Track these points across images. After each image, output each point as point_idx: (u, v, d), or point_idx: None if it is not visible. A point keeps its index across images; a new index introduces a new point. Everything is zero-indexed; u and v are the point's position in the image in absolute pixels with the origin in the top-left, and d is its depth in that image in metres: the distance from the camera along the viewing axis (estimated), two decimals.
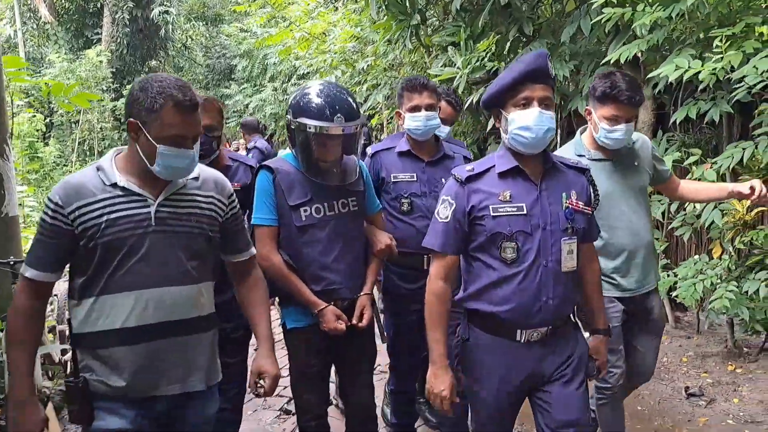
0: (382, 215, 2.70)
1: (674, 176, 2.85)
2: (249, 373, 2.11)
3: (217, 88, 18.87)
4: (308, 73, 9.20)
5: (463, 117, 6.01)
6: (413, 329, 2.80)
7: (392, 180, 2.84)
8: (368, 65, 6.67)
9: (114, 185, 1.77)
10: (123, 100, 16.71)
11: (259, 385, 2.04)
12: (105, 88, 15.53)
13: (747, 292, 3.78)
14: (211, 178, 1.95)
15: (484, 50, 4.88)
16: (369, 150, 3.00)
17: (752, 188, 2.50)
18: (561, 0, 5.25)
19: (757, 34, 3.36)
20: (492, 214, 1.96)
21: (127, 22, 17.10)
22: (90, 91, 13.57)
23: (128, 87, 17.34)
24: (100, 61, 15.68)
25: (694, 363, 4.32)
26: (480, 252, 2.02)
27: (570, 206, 2.01)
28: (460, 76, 5.16)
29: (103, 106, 15.11)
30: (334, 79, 7.27)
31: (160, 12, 16.80)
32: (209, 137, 2.67)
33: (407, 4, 5.64)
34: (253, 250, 2.14)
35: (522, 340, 2.00)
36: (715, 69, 3.35)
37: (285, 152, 2.74)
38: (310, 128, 2.29)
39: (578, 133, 2.71)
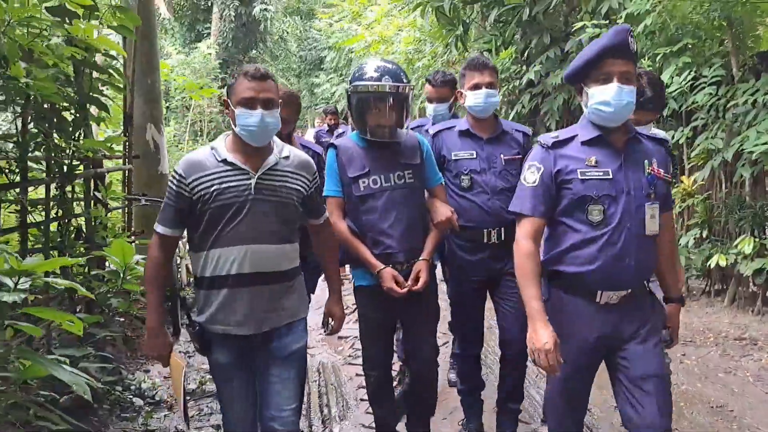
0: (444, 188, 2.80)
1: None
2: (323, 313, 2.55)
3: (307, 77, 20.89)
4: None
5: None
6: (473, 297, 2.93)
7: (453, 158, 2.91)
8: (423, 64, 8.18)
9: (224, 161, 2.14)
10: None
11: (329, 323, 2.53)
12: (213, 77, 17.80)
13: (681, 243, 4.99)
14: (298, 159, 2.28)
15: (507, 57, 6.26)
16: (431, 130, 3.09)
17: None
18: (575, 16, 6.50)
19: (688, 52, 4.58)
20: (580, 177, 2.03)
21: (233, 18, 19.33)
22: (200, 80, 15.83)
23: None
24: (209, 54, 17.97)
25: None
26: (565, 215, 2.08)
27: (652, 173, 2.07)
28: None
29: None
30: None
31: (260, 9, 18.91)
32: (286, 125, 2.85)
33: (454, 18, 7.09)
34: (326, 215, 2.47)
35: (601, 302, 2.05)
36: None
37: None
38: (361, 88, 2.55)
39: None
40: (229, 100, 2.15)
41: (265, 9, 18.97)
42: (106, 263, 3.71)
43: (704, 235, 5.06)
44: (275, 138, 2.26)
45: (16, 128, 3.27)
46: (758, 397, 3.51)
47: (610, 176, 2.02)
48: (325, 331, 2.56)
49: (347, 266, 2.92)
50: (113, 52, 3.94)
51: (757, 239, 4.52)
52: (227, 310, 2.15)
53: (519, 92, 6.77)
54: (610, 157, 2.05)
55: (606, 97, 1.99)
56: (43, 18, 3.08)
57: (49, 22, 3.08)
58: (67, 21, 3.23)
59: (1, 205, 3.31)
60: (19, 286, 2.24)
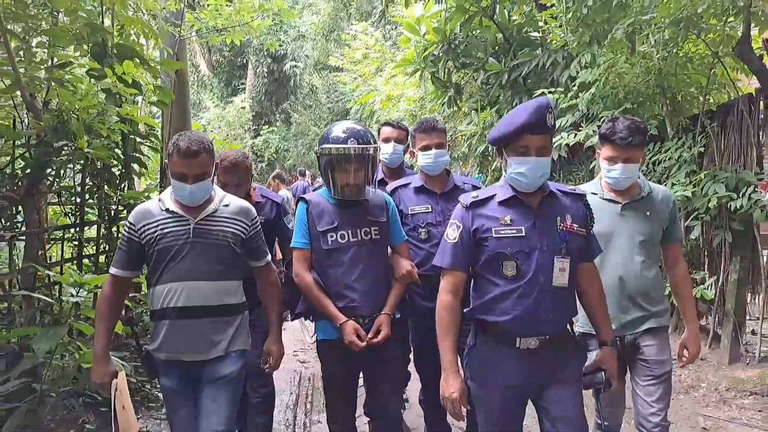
0: (407, 246, 2.91)
1: (677, 249, 2.79)
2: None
3: None
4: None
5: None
6: (433, 343, 2.87)
7: (410, 212, 3.09)
8: None
9: (167, 210, 2.42)
10: (260, 137, 20.57)
11: (267, 361, 2.72)
12: (246, 129, 19.23)
13: None
14: (238, 206, 2.54)
15: (488, 116, 7.21)
16: (388, 187, 3.23)
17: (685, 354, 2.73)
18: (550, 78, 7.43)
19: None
20: (495, 235, 2.17)
21: (266, 74, 20.92)
22: (234, 131, 17.22)
23: (264, 127, 21.38)
24: (243, 108, 19.46)
25: None
26: (485, 269, 2.22)
27: (564, 228, 2.19)
28: (478, 131, 7.53)
29: (244, 143, 18.74)
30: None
31: (290, 65, 20.44)
32: (239, 188, 3.12)
33: (447, 81, 8.10)
34: (268, 258, 2.70)
35: (521, 347, 2.17)
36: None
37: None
38: (327, 150, 2.65)
39: (598, 176, 2.82)
40: (168, 165, 2.42)
41: (295, 65, 20.48)
42: (142, 288, 4.67)
43: None
44: (217, 189, 2.57)
45: (74, 182, 4.33)
46: None
47: (523, 234, 2.15)
48: (264, 368, 2.75)
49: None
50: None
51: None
52: (170, 339, 2.40)
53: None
54: (524, 215, 2.18)
55: (523, 169, 2.15)
56: (99, 100, 4.15)
57: (103, 103, 4.15)
58: (118, 101, 4.31)
59: (64, 241, 4.33)
60: (79, 295, 3.22)
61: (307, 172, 14.12)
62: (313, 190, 3.15)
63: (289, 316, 3.17)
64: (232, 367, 2.47)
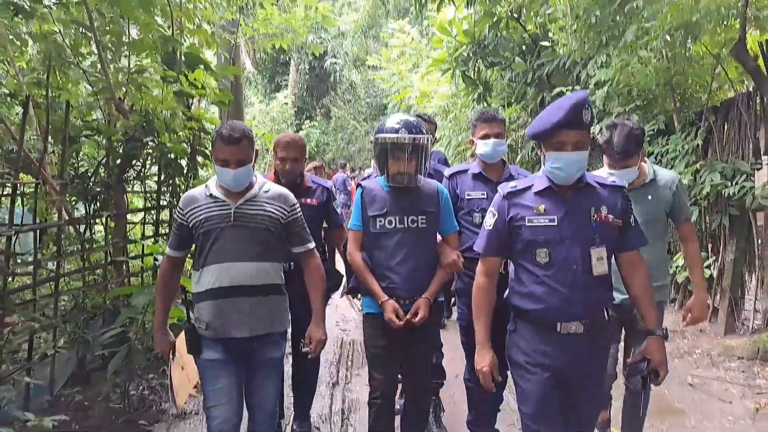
0: (457, 237, 3.03)
1: (687, 227, 3.07)
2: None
3: (374, 121, 22.88)
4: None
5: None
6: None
7: (466, 197, 3.26)
8: (455, 115, 9.86)
9: (210, 195, 2.56)
10: (302, 132, 21.45)
11: (307, 345, 2.71)
12: (289, 123, 20.12)
13: None
14: (277, 192, 2.65)
15: (513, 112, 7.79)
16: (446, 172, 3.45)
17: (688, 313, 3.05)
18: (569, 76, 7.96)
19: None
20: (528, 224, 2.27)
21: (307, 71, 21.79)
22: (278, 126, 18.11)
23: (306, 122, 22.26)
24: (286, 103, 20.35)
25: None
26: (520, 257, 2.33)
27: (598, 219, 2.26)
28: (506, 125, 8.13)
29: None
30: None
31: (331, 62, 21.24)
32: (295, 162, 3.42)
33: (477, 79, 8.70)
34: (311, 245, 2.76)
35: (561, 331, 2.25)
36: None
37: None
38: (381, 139, 2.83)
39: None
40: (213, 153, 2.57)
41: (335, 62, 21.27)
42: None
43: None
44: (258, 176, 2.68)
45: (151, 173, 5.15)
46: None
47: (555, 223, 2.24)
48: (305, 352, 2.74)
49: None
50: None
51: None
52: (215, 318, 2.53)
53: (523, 141, 8.25)
54: (558, 205, 2.26)
55: (559, 164, 2.22)
56: (173, 102, 4.94)
57: (175, 105, 4.93)
58: (187, 102, 5.09)
59: (145, 222, 5.14)
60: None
61: (347, 165, 14.85)
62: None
63: (338, 293, 3.59)
64: (277, 352, 2.65)
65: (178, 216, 2.64)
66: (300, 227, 2.71)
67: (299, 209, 2.71)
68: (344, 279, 3.37)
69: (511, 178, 3.19)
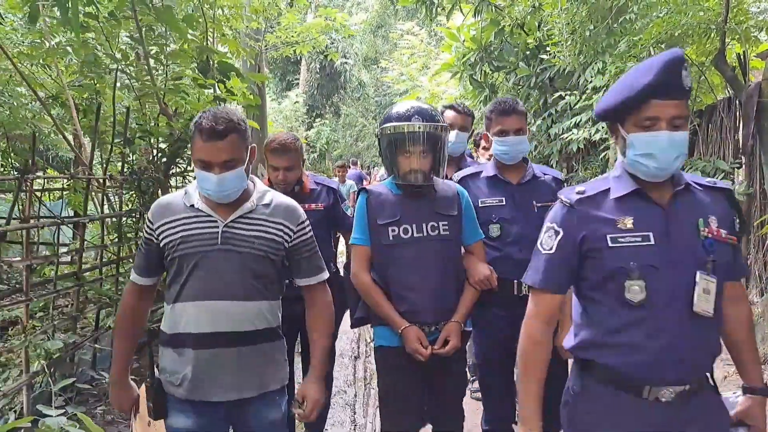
0: (483, 246, 2.56)
1: None
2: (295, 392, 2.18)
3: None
4: None
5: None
6: (501, 357, 2.63)
7: (480, 205, 2.68)
8: None
9: (191, 206, 1.94)
10: (313, 130, 22.09)
11: (300, 407, 2.05)
12: (301, 122, 20.74)
13: None
14: (282, 205, 2.02)
15: None
16: (455, 176, 2.84)
17: None
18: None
19: None
20: (611, 245, 1.61)
21: (318, 70, 22.41)
22: (290, 124, 18.77)
23: (317, 120, 22.86)
24: (298, 102, 20.99)
25: None
26: (597, 291, 1.67)
27: (709, 235, 1.62)
28: None
29: (299, 135, 20.32)
30: None
31: (341, 62, 21.85)
32: (289, 171, 2.93)
33: (483, 82, 9.27)
34: (323, 276, 2.13)
35: (650, 398, 1.61)
36: None
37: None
38: (389, 129, 2.35)
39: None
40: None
41: (345, 62, 21.89)
42: None
43: None
44: (257, 181, 2.07)
45: (190, 169, 5.76)
46: None
47: (652, 242, 1.61)
48: (296, 415, 2.09)
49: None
50: None
51: None
52: (190, 373, 1.92)
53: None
54: (652, 217, 1.64)
55: (651, 149, 1.59)
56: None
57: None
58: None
59: None
60: None
61: (358, 162, 15.48)
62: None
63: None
64: (275, 413, 2.06)
65: (146, 231, 2.02)
66: (310, 252, 2.11)
67: (309, 228, 2.10)
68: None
69: (535, 179, 2.73)
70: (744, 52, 5.64)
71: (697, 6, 5.39)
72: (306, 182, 3.09)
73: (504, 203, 2.69)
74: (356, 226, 2.48)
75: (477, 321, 2.63)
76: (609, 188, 1.71)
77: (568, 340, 1.78)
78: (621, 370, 1.63)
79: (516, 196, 2.71)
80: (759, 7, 5.93)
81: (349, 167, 14.49)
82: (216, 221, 1.94)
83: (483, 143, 3.66)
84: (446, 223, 2.42)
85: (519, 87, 9.04)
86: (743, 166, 5.66)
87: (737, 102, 5.76)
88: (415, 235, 2.38)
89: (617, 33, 6.42)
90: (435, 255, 2.39)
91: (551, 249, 1.72)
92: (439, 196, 2.47)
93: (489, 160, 3.08)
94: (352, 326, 2.66)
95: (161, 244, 1.97)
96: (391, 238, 2.39)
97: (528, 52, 8.96)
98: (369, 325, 2.58)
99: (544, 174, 2.79)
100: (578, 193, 1.71)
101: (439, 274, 2.38)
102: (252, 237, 1.95)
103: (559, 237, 1.71)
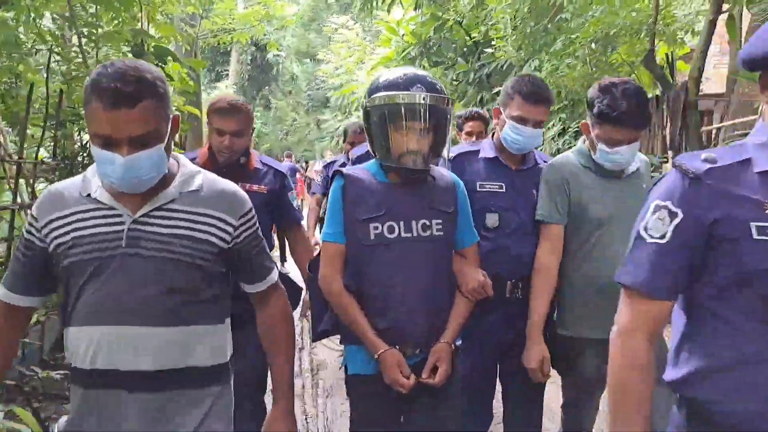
0: (478, 250, 2.12)
1: None
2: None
3: (314, 113, 23.34)
4: None
5: None
6: (484, 371, 2.33)
7: (478, 189, 2.30)
8: None
9: (88, 196, 1.40)
10: None
11: None
12: None
13: None
14: (217, 192, 1.47)
15: (457, 109, 8.54)
16: (451, 152, 2.28)
17: None
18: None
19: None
20: (756, 236, 1.12)
21: (249, 62, 21.92)
22: None
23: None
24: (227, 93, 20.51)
25: None
26: (722, 301, 1.17)
27: None
28: None
29: None
30: None
31: (273, 54, 21.49)
32: (238, 138, 2.43)
33: None
34: (274, 277, 1.62)
35: None
36: None
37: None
38: (383, 100, 1.85)
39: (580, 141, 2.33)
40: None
41: (277, 54, 21.55)
42: None
43: None
44: (181, 160, 1.49)
45: None
46: None
47: None
48: None
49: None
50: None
51: None
52: (90, 421, 1.41)
53: None
54: None
55: None
56: None
57: None
58: None
59: None
60: None
61: (292, 156, 15.32)
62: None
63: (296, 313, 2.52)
64: None
65: (27, 230, 1.46)
66: (258, 249, 1.58)
67: (255, 219, 1.57)
68: (304, 293, 2.61)
69: (536, 166, 2.39)
70: (672, 52, 5.97)
71: (629, 7, 5.67)
72: (252, 158, 2.60)
73: (504, 189, 2.32)
74: (329, 218, 1.98)
75: (468, 333, 2.14)
76: (749, 158, 1.17)
77: (670, 371, 1.24)
78: (749, 421, 1.11)
79: (516, 182, 2.34)
80: (684, 11, 6.30)
81: (282, 160, 14.38)
82: (121, 216, 1.38)
83: (466, 128, 3.24)
84: (440, 221, 1.95)
85: (457, 83, 9.20)
86: (670, 161, 5.99)
87: (666, 99, 6.10)
88: (403, 234, 1.90)
89: (553, 32, 6.65)
90: (425, 259, 1.92)
91: (664, 237, 1.19)
92: (435, 187, 1.98)
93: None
94: (314, 340, 2.18)
95: (50, 249, 1.40)
96: (373, 236, 1.89)
97: (466, 49, 9.13)
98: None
99: (544, 161, 2.45)
100: (706, 160, 1.17)
101: (428, 283, 1.92)
102: (171, 236, 1.39)
103: (678, 220, 1.18)
